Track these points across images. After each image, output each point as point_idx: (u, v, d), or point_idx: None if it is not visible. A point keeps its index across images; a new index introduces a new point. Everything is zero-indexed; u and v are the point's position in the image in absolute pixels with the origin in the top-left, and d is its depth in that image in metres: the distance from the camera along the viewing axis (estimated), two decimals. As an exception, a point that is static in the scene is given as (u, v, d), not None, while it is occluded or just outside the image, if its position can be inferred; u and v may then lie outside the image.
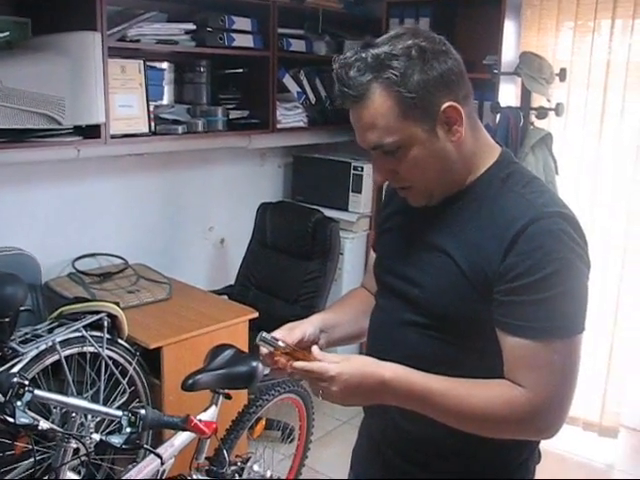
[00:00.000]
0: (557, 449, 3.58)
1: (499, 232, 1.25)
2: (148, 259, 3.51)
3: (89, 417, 1.78)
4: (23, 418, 1.55)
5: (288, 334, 1.41)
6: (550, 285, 1.20)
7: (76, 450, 2.22)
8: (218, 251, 4.08)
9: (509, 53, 3.57)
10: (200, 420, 1.67)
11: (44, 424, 1.58)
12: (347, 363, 1.26)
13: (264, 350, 1.35)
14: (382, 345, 1.44)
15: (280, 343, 1.33)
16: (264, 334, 1.33)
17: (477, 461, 1.38)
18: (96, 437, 1.62)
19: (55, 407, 1.98)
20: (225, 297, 3.61)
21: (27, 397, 1.58)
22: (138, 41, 2.99)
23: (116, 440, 1.59)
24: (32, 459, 2.14)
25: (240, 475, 2.48)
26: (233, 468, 2.41)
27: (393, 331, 1.42)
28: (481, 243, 1.27)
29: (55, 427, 1.66)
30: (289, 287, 3.52)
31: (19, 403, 1.57)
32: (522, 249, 1.22)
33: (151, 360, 2.73)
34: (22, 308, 2.87)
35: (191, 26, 3.22)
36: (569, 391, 1.24)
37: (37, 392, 1.61)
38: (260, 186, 4.24)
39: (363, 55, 1.24)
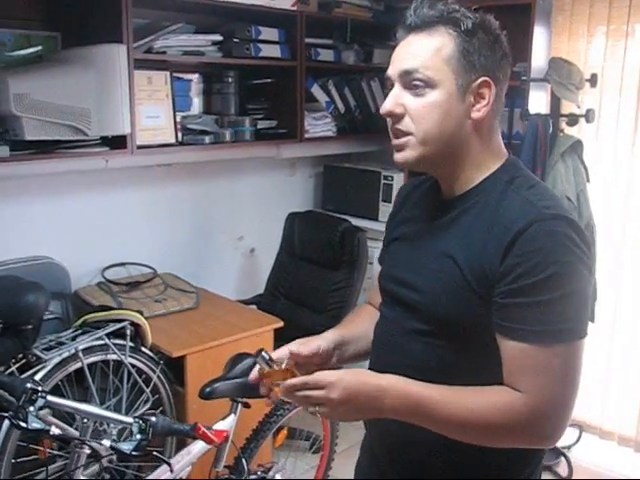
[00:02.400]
0: (591, 464, 3.51)
1: (500, 233, 1.23)
2: (177, 268, 3.53)
3: (111, 424, 1.79)
4: (35, 423, 1.57)
5: (303, 345, 1.41)
6: (550, 287, 1.18)
7: (97, 457, 2.25)
8: (248, 260, 4.10)
9: (540, 59, 3.52)
10: (210, 428, 1.67)
11: (55, 430, 1.59)
12: (345, 372, 1.25)
13: (254, 372, 1.34)
14: (385, 355, 1.42)
15: (275, 366, 1.31)
16: (263, 353, 1.32)
17: (473, 471, 1.35)
18: (106, 443, 1.63)
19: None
20: (254, 307, 3.62)
21: (40, 402, 1.61)
22: (164, 53, 3.03)
23: (126, 447, 1.60)
24: (57, 463, 2.18)
25: (261, 484, 2.48)
26: (253, 477, 2.40)
27: (396, 340, 1.40)
28: (483, 245, 1.25)
29: (68, 433, 1.68)
30: (316, 297, 3.52)
31: (32, 408, 1.59)
32: (522, 250, 1.19)
33: (176, 368, 2.75)
34: (51, 316, 2.95)
35: (218, 37, 3.26)
36: (569, 397, 1.21)
37: (50, 398, 1.63)
38: (291, 196, 4.25)
39: (441, 4, 1.29)
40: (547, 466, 3.43)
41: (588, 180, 3.27)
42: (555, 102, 3.26)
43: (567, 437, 3.64)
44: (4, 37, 2.85)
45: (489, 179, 1.33)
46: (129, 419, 1.66)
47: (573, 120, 3.30)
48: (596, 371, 3.70)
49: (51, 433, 1.58)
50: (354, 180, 4.17)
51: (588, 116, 3.19)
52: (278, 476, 2.60)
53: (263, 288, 3.79)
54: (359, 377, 1.25)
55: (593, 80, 3.25)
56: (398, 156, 1.34)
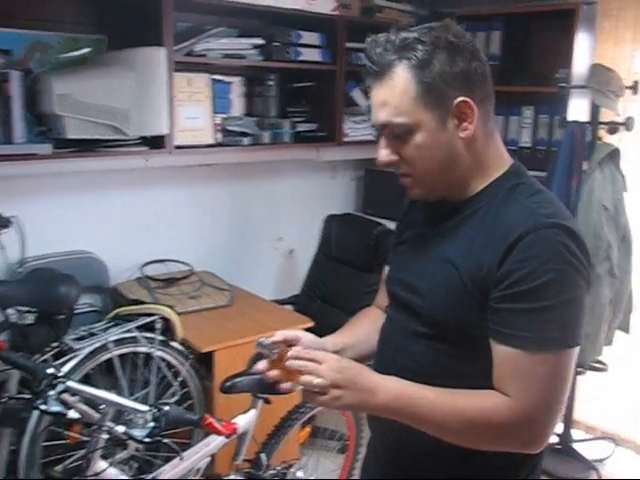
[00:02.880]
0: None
1: (499, 240, 1.24)
2: (215, 267, 3.61)
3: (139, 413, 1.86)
4: (54, 406, 1.65)
5: (305, 337, 1.45)
6: (543, 295, 1.19)
7: (124, 445, 2.33)
8: (287, 261, 4.15)
9: (583, 66, 3.49)
10: (220, 420, 1.72)
11: (73, 413, 1.67)
12: (347, 359, 1.30)
13: (262, 363, 1.35)
14: (388, 355, 1.45)
15: (274, 350, 1.33)
16: (261, 339, 1.35)
17: (472, 474, 1.37)
18: (121, 429, 1.70)
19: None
20: (290, 307, 3.68)
21: (60, 387, 1.69)
22: (205, 55, 3.11)
23: (139, 433, 1.66)
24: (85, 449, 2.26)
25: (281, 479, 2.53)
26: (272, 472, 2.45)
27: (398, 341, 1.43)
28: (482, 251, 1.26)
29: (87, 418, 1.76)
30: (350, 299, 3.55)
31: (52, 392, 1.67)
32: (518, 257, 1.21)
33: (206, 364, 2.82)
34: (90, 309, 3.06)
35: (259, 41, 3.32)
36: (554, 405, 1.22)
37: (69, 383, 1.71)
38: (331, 199, 4.29)
39: (392, 37, 1.29)
40: (577, 479, 3.39)
41: (625, 189, 3.23)
42: (594, 109, 3.23)
43: (600, 450, 3.60)
44: (52, 40, 2.96)
45: (491, 186, 1.34)
46: (144, 407, 1.72)
47: (613, 128, 3.26)
48: (631, 384, 3.64)
49: (69, 416, 1.66)
50: (394, 184, 4.16)
51: (628, 124, 3.16)
52: (300, 473, 2.64)
53: (299, 289, 3.85)
54: (358, 368, 1.28)
55: (636, 87, 3.21)
56: (410, 193, 1.39)
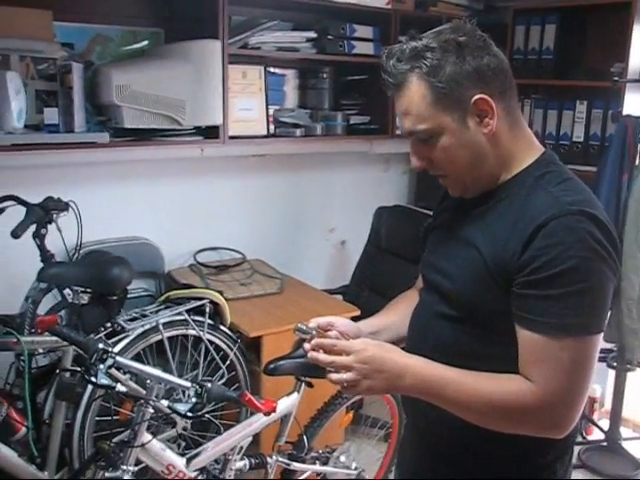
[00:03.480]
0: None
1: (523, 227, 1.27)
2: (267, 256, 3.70)
3: (187, 392, 1.95)
4: (103, 379, 1.75)
5: (338, 322, 1.51)
6: (566, 281, 1.21)
7: (173, 423, 2.43)
8: (338, 252, 4.21)
9: (638, 60, 3.45)
10: (260, 398, 1.79)
11: (121, 387, 1.76)
12: (372, 343, 1.34)
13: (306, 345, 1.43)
14: (418, 336, 1.51)
15: (314, 332, 1.41)
16: (299, 324, 1.43)
17: (501, 459, 1.41)
18: (164, 403, 1.79)
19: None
20: (339, 296, 3.73)
21: (109, 362, 1.78)
22: (259, 48, 3.18)
23: (182, 407, 1.75)
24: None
25: (324, 463, 2.59)
26: (314, 454, 2.52)
27: (426, 323, 1.48)
28: (507, 238, 1.30)
29: (133, 392, 1.85)
30: (399, 289, 3.55)
31: (101, 366, 1.76)
32: (541, 244, 1.24)
33: (254, 349, 2.90)
34: (145, 294, 3.17)
35: (312, 34, 3.38)
36: (577, 390, 1.25)
37: (118, 358, 1.80)
38: (383, 191, 4.33)
39: (404, 47, 1.33)
40: (624, 477, 3.37)
41: (677, 186, 3.19)
42: (649, 104, 3.20)
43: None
44: (112, 33, 3.09)
45: (521, 174, 1.37)
46: (187, 383, 1.81)
47: (668, 123, 3.22)
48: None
49: (116, 390, 1.75)
50: (445, 178, 4.20)
51: (682, 119, 3.12)
52: (342, 458, 2.70)
53: (350, 280, 3.91)
54: (384, 352, 1.33)
55: (691, 82, 3.16)
56: (450, 192, 1.45)
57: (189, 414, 1.74)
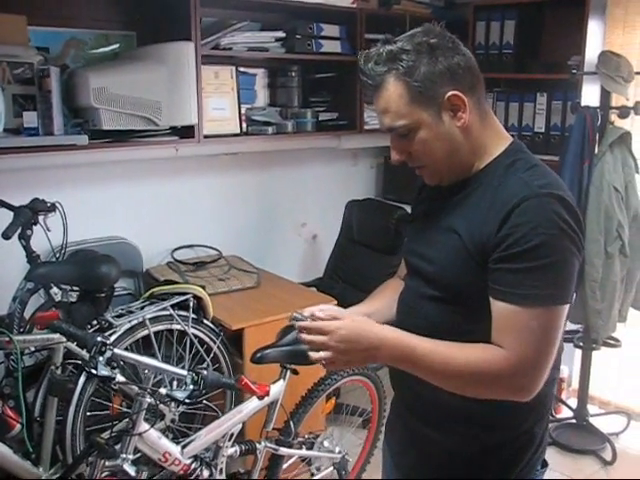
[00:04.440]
0: (637, 451, 3.59)
1: (497, 210, 1.39)
2: (242, 252, 3.78)
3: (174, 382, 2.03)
4: (103, 371, 1.83)
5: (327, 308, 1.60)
6: (535, 256, 1.34)
7: (162, 416, 2.50)
8: (310, 246, 4.31)
9: (594, 53, 3.60)
10: (254, 383, 1.88)
11: (120, 377, 1.84)
12: (347, 321, 1.44)
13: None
14: (406, 318, 1.61)
15: (308, 319, 1.50)
16: (295, 313, 1.53)
17: (485, 424, 1.52)
18: (163, 391, 1.87)
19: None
20: (314, 289, 3.83)
21: (108, 354, 1.86)
22: (230, 49, 3.27)
23: (180, 395, 1.84)
24: (126, 419, 2.42)
25: (309, 448, 2.69)
26: (300, 440, 2.61)
27: (413, 306, 1.59)
28: (483, 221, 1.42)
29: (129, 381, 1.93)
30: (372, 280, 3.63)
31: (101, 358, 1.84)
32: (514, 222, 1.36)
33: (235, 341, 2.99)
34: (124, 292, 3.24)
35: (281, 34, 3.48)
36: (545, 357, 1.36)
37: (116, 351, 1.88)
38: (353, 185, 4.44)
39: (380, 50, 1.44)
40: (592, 451, 3.53)
41: (637, 171, 3.35)
42: (604, 95, 3.35)
43: (615, 424, 3.73)
44: (86, 37, 3.14)
45: (493, 162, 1.49)
46: (183, 372, 1.89)
47: (625, 112, 3.37)
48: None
49: (116, 380, 1.83)
50: (413, 171, 4.31)
51: (637, 108, 3.27)
52: (326, 443, 2.81)
53: (322, 272, 4.01)
54: (360, 330, 1.43)
55: (644, 73, 3.32)
56: (427, 181, 1.56)
57: (187, 400, 1.82)
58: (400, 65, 1.40)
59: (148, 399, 1.96)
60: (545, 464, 1.67)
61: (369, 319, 1.49)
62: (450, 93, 1.41)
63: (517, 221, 1.35)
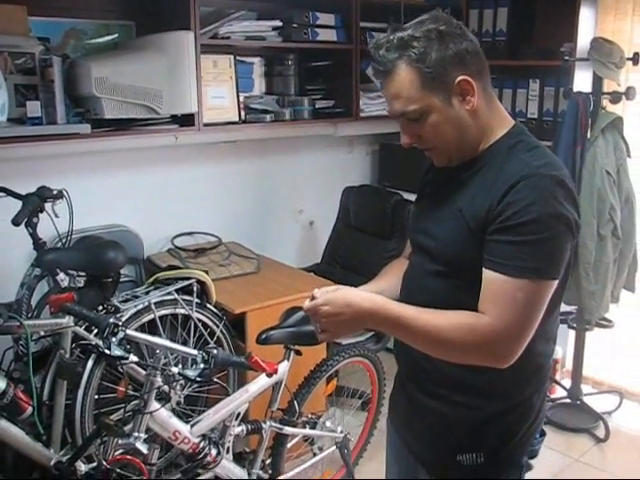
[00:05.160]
0: (630, 429, 3.69)
1: (499, 187, 1.46)
2: (241, 238, 3.84)
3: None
4: (117, 351, 1.88)
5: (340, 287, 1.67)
6: (527, 230, 1.40)
7: (167, 399, 2.55)
8: (307, 232, 4.38)
9: (586, 40, 3.65)
10: (263, 361, 1.94)
11: (133, 357, 1.90)
12: (331, 295, 1.52)
13: None
14: (410, 292, 1.67)
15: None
16: (314, 292, 1.59)
17: (487, 394, 1.59)
18: (175, 370, 1.93)
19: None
20: (312, 274, 3.89)
21: (120, 335, 1.91)
22: (228, 38, 3.31)
23: (191, 373, 1.89)
24: (133, 402, 2.48)
25: (312, 427, 2.76)
26: (304, 419, 2.68)
27: (417, 280, 1.66)
28: (485, 198, 1.48)
29: (143, 360, 1.98)
30: (370, 264, 3.74)
31: (114, 339, 1.90)
32: (511, 199, 1.42)
33: (237, 325, 3.04)
34: (126, 279, 3.28)
35: (278, 23, 3.52)
36: (526, 328, 1.43)
37: (128, 331, 1.93)
38: (349, 172, 4.50)
39: (391, 37, 1.49)
40: (585, 429, 3.62)
41: (629, 155, 3.42)
42: (596, 80, 3.41)
43: (608, 403, 3.81)
44: (86, 27, 3.18)
45: (495, 145, 1.56)
46: (194, 351, 1.95)
47: (616, 97, 3.43)
48: (637, 340, 3.85)
49: (129, 360, 1.89)
50: (408, 157, 4.34)
51: (629, 93, 3.34)
52: (328, 423, 2.88)
53: (320, 258, 4.07)
54: (343, 300, 1.50)
55: (635, 59, 3.36)
56: (434, 162, 1.62)
57: (198, 378, 1.88)
58: (412, 52, 1.45)
59: (159, 378, 2.02)
60: (543, 433, 1.75)
61: (356, 292, 1.55)
62: (460, 78, 1.47)
63: (514, 197, 1.42)
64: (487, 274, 1.45)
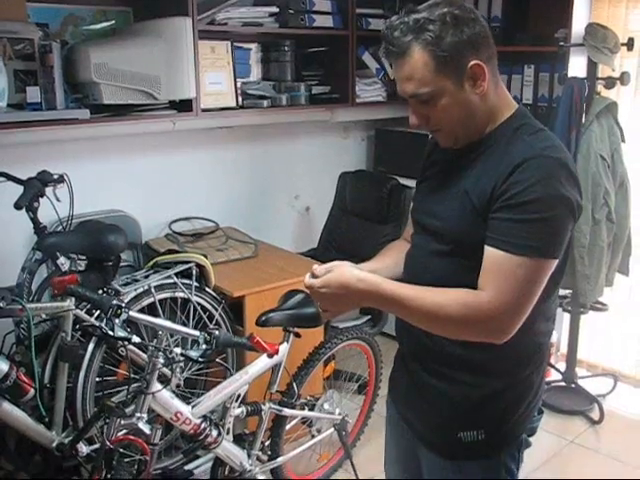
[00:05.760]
0: (624, 412, 3.75)
1: (503, 169, 1.48)
2: (238, 223, 3.87)
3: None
4: (120, 332, 1.91)
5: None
6: (529, 209, 1.43)
7: (167, 382, 2.58)
8: (303, 218, 4.41)
9: (581, 26, 3.68)
10: (265, 342, 1.98)
11: (136, 338, 1.93)
12: (327, 277, 1.55)
13: None
14: (414, 272, 1.70)
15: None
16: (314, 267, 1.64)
17: (487, 372, 1.62)
18: (177, 351, 1.96)
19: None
20: (309, 259, 3.92)
21: (123, 316, 1.94)
22: (226, 24, 3.33)
23: (194, 354, 1.92)
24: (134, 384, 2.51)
25: (310, 409, 2.80)
26: (302, 401, 2.72)
27: (422, 260, 1.68)
28: (489, 179, 1.51)
29: (145, 341, 2.01)
30: (366, 249, 3.76)
31: (117, 320, 1.93)
32: (514, 179, 1.45)
33: (236, 308, 3.07)
34: (125, 264, 3.30)
35: (274, 9, 3.54)
36: (523, 304, 1.46)
37: (131, 313, 1.96)
38: (344, 158, 4.52)
39: (406, 19, 1.50)
40: (580, 411, 3.67)
41: (623, 140, 3.45)
42: (591, 66, 3.44)
43: (602, 386, 3.86)
44: (84, 13, 3.19)
45: (500, 127, 1.58)
46: (196, 332, 1.98)
47: (610, 83, 3.46)
48: (631, 323, 3.90)
49: (132, 341, 1.92)
50: (403, 143, 4.40)
51: (623, 79, 3.37)
52: (326, 405, 2.91)
53: (317, 243, 4.10)
54: (339, 279, 1.53)
55: (630, 44, 3.39)
56: (440, 142, 1.64)
57: (200, 359, 1.91)
58: (427, 35, 1.46)
59: (161, 359, 2.05)
60: (541, 411, 1.79)
61: (352, 271, 1.57)
62: (472, 62, 1.48)
63: (518, 178, 1.44)
64: (488, 250, 1.48)
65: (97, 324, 1.99)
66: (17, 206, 2.48)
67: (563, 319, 3.96)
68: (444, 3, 1.50)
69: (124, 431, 2.06)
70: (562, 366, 3.88)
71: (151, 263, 2.88)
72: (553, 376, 3.91)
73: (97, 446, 2.49)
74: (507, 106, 1.60)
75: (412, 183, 3.87)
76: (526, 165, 1.45)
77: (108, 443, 2.03)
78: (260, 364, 2.48)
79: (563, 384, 3.83)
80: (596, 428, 3.58)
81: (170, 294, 2.83)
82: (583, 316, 3.73)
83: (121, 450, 2.13)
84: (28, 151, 3.06)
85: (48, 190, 2.67)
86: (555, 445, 3.42)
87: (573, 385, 3.80)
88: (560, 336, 4.12)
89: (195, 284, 2.88)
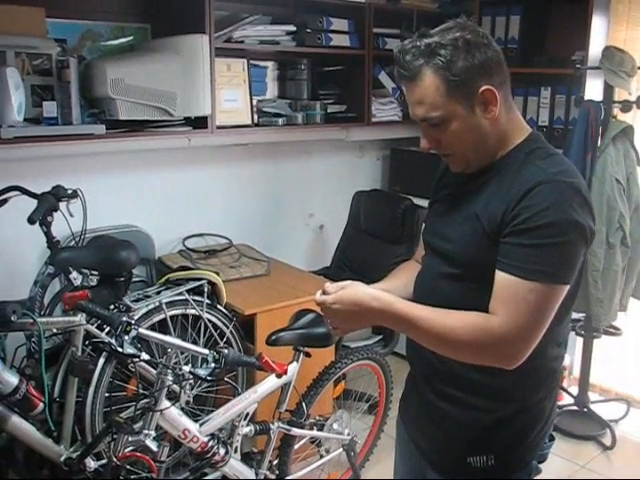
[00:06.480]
0: (636, 437, 3.69)
1: (515, 193, 1.47)
2: (252, 241, 3.87)
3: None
4: (129, 349, 1.91)
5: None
6: (541, 234, 1.42)
7: (176, 398, 2.58)
8: (317, 236, 4.40)
9: (598, 48, 3.67)
10: (274, 361, 1.97)
11: (145, 355, 1.92)
12: (341, 294, 1.54)
13: None
14: (423, 294, 1.69)
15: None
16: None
17: (499, 396, 1.61)
18: (186, 369, 1.95)
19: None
20: (322, 277, 3.91)
21: (133, 333, 1.94)
22: (242, 42, 3.35)
23: (202, 372, 1.92)
24: (143, 400, 2.51)
25: (319, 429, 2.78)
26: (311, 421, 2.70)
27: (432, 284, 1.67)
28: (500, 203, 1.50)
29: (154, 358, 2.01)
30: (379, 269, 3.75)
31: (126, 337, 1.93)
32: (526, 203, 1.44)
33: (247, 326, 3.07)
34: (137, 279, 3.31)
35: (291, 27, 3.56)
36: (535, 330, 1.44)
37: (141, 330, 1.96)
38: (359, 177, 4.53)
39: (418, 43, 1.50)
40: (592, 436, 3.63)
41: (639, 163, 3.43)
42: (608, 89, 3.42)
43: (615, 411, 3.82)
44: (102, 29, 3.22)
45: (514, 151, 1.57)
46: (205, 350, 1.98)
47: (627, 106, 3.45)
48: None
49: (142, 358, 1.91)
50: (418, 163, 4.40)
51: (639, 102, 3.35)
52: (335, 425, 2.89)
53: (330, 262, 4.09)
54: (352, 298, 1.53)
55: (646, 68, 3.39)
56: (451, 167, 1.64)
57: (209, 377, 1.90)
58: (439, 59, 1.46)
59: (170, 377, 2.04)
60: (552, 438, 1.76)
61: (365, 289, 1.56)
62: (484, 87, 1.48)
63: (530, 202, 1.43)
64: (499, 275, 1.47)
65: (107, 340, 1.98)
66: (31, 220, 2.49)
67: (576, 342, 3.92)
68: (457, 27, 1.50)
69: (131, 448, 2.05)
70: (575, 390, 3.84)
71: (163, 279, 2.88)
72: (565, 400, 3.88)
73: (105, 461, 2.49)
74: (520, 131, 1.60)
75: (426, 203, 3.92)
76: (538, 189, 1.44)
77: (115, 459, 2.02)
78: (269, 383, 2.47)
79: (575, 408, 3.79)
80: (608, 454, 3.53)
81: (181, 311, 2.83)
82: (597, 340, 3.70)
83: (128, 467, 2.12)
84: (43, 165, 3.08)
85: (62, 205, 2.68)
86: (566, 470, 3.37)
87: (585, 410, 3.76)
88: (573, 359, 4.09)
89: (207, 301, 2.88)
